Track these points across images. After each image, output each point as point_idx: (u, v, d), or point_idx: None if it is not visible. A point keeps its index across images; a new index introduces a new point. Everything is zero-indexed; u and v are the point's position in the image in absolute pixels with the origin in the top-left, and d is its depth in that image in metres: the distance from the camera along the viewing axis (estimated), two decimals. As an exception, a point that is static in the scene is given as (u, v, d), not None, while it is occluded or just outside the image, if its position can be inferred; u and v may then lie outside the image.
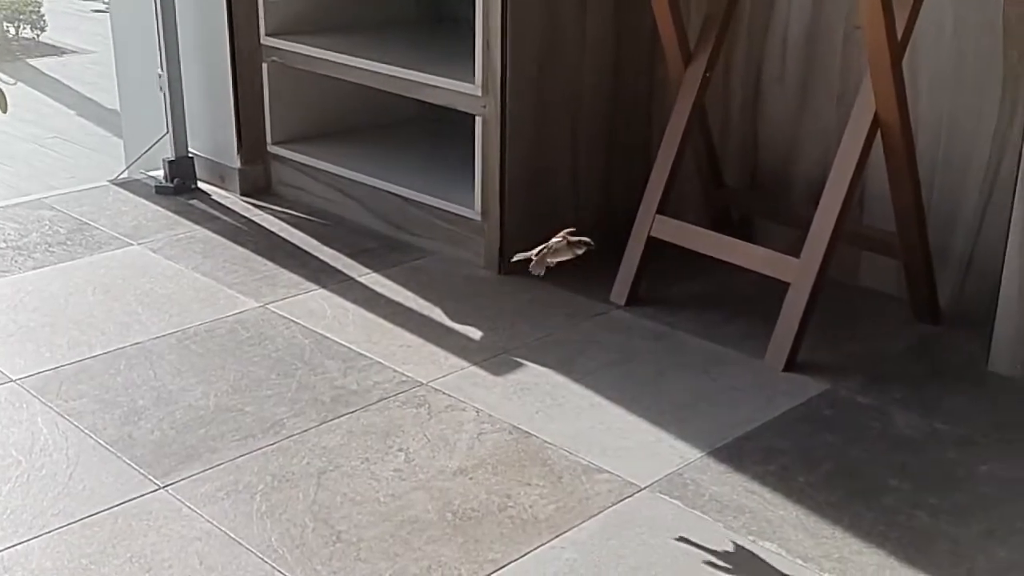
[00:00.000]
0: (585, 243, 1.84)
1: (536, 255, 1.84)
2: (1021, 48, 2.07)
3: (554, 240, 1.84)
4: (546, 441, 1.84)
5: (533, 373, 2.06)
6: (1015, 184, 1.95)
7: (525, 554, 1.56)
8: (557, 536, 1.60)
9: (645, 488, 1.71)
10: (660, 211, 2.31)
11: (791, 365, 2.07)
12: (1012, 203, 1.96)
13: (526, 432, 1.86)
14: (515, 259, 1.88)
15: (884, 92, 1.96)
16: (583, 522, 1.63)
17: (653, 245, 2.33)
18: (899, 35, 1.93)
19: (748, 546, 1.58)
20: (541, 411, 1.93)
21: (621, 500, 1.69)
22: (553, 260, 1.85)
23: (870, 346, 2.17)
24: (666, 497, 1.69)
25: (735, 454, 1.80)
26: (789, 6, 2.38)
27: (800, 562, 1.54)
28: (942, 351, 2.15)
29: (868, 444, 1.83)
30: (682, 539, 1.59)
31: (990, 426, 1.88)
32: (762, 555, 1.56)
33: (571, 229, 1.86)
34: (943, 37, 2.18)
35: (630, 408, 1.94)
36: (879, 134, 2.02)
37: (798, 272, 2.07)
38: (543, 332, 2.22)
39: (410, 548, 1.57)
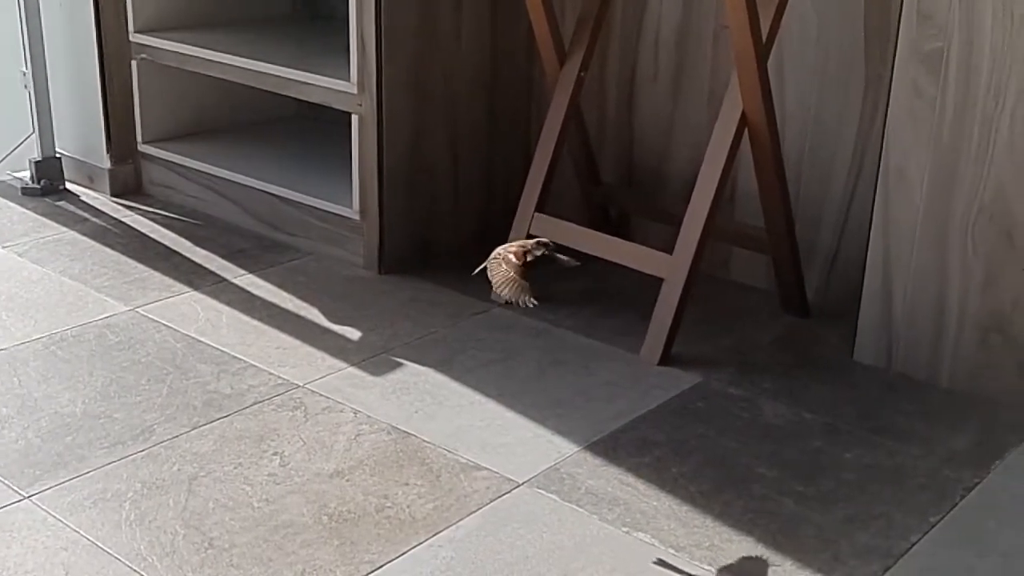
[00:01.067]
0: (543, 243, 1.81)
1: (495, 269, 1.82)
2: (883, 48, 2.15)
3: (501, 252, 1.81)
4: (425, 440, 1.83)
5: (412, 372, 2.05)
6: (875, 181, 2.02)
7: (402, 554, 1.56)
8: (435, 535, 1.60)
9: (523, 484, 1.73)
10: (539, 209, 2.33)
11: (666, 359, 2.11)
12: (873, 199, 2.04)
13: (405, 432, 1.85)
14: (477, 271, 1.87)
15: (751, 91, 2.01)
16: (461, 520, 1.63)
17: (532, 243, 2.34)
18: (764, 35, 1.99)
19: (622, 537, 1.60)
20: (420, 410, 1.92)
21: (499, 497, 1.69)
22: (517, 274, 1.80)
23: (741, 339, 2.23)
24: (543, 492, 1.71)
25: (611, 447, 1.83)
26: (660, 6, 2.43)
27: (672, 551, 1.57)
28: (809, 342, 2.22)
29: (738, 434, 1.88)
30: (558, 533, 1.61)
31: (854, 415, 1.94)
32: (635, 546, 1.58)
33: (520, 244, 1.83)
34: (808, 36, 2.25)
35: (509, 405, 1.95)
36: (746, 132, 2.08)
37: (671, 268, 2.11)
38: (423, 331, 2.21)
39: (284, 553, 1.55)
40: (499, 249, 1.87)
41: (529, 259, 1.82)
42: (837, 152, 2.27)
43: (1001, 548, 1.59)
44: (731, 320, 2.31)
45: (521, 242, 1.86)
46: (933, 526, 1.63)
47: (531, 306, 1.82)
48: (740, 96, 2.03)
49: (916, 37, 1.91)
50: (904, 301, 2.04)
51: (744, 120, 2.05)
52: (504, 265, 1.82)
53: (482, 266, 1.88)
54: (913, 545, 1.59)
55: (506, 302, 1.83)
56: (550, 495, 1.70)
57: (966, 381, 2.00)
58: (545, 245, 1.83)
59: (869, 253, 2.06)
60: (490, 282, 1.85)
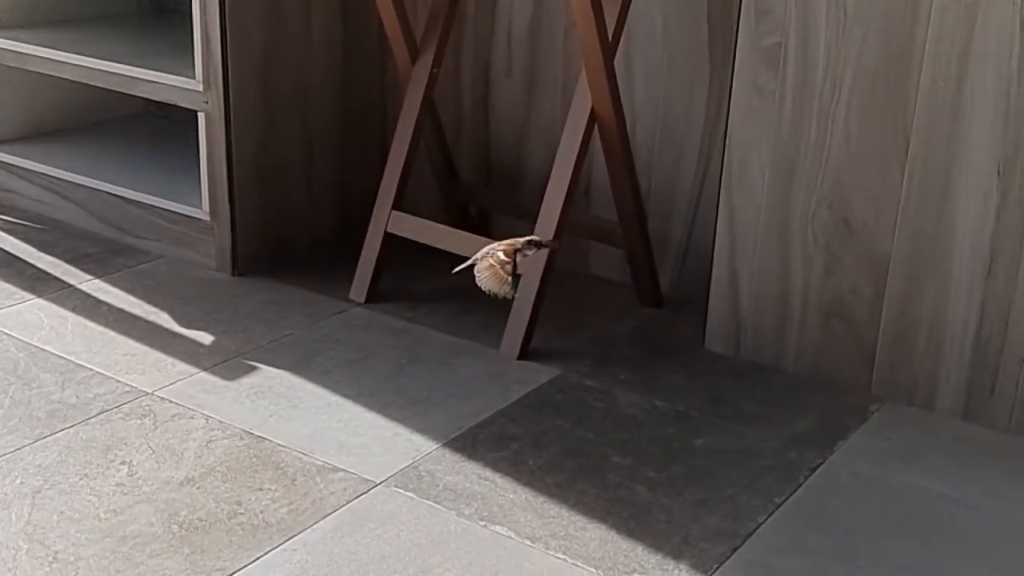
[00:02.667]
0: (534, 243, 1.83)
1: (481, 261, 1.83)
2: (725, 43, 2.21)
3: (488, 249, 1.82)
4: (279, 444, 1.80)
5: (267, 376, 2.01)
6: (720, 175, 2.08)
7: (255, 559, 1.53)
8: (289, 539, 1.57)
9: (380, 484, 1.71)
10: (396, 207, 2.32)
11: (525, 353, 2.13)
12: (719, 193, 2.09)
13: (259, 436, 1.82)
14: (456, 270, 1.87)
15: (599, 87, 2.04)
16: (316, 523, 1.61)
17: (392, 241, 2.33)
18: (610, 32, 2.02)
19: (479, 531, 1.61)
20: (275, 414, 1.89)
21: (356, 497, 1.68)
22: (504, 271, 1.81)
23: (598, 331, 2.26)
24: (401, 491, 1.70)
25: (469, 443, 1.83)
26: (512, 1, 2.45)
27: (528, 543, 1.59)
28: (663, 333, 2.27)
29: (594, 424, 1.90)
30: (415, 531, 1.60)
31: (704, 401, 2.00)
32: (492, 539, 1.59)
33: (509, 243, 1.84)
34: (654, 33, 2.29)
35: (368, 405, 1.94)
36: (597, 128, 2.11)
37: (528, 263, 2.12)
38: (279, 333, 2.18)
39: (132, 563, 1.51)
40: (489, 247, 1.86)
41: (519, 258, 1.83)
42: (685, 147, 2.33)
43: (843, 525, 1.66)
44: (589, 313, 2.34)
45: (512, 240, 1.86)
46: (778, 506, 1.69)
47: (511, 297, 1.84)
48: (589, 93, 2.06)
49: (755, 32, 1.97)
50: (750, 291, 2.10)
51: (594, 116, 2.08)
52: (491, 260, 1.83)
53: (468, 262, 1.86)
54: (759, 526, 1.64)
55: (489, 293, 1.84)
56: (408, 493, 1.69)
57: (810, 366, 2.08)
58: (537, 244, 1.85)
59: (716, 245, 2.12)
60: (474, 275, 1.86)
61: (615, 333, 2.26)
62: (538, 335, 2.16)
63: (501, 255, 1.83)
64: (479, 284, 1.85)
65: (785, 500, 1.71)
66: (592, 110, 2.07)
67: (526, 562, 1.55)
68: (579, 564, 1.55)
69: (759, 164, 2.03)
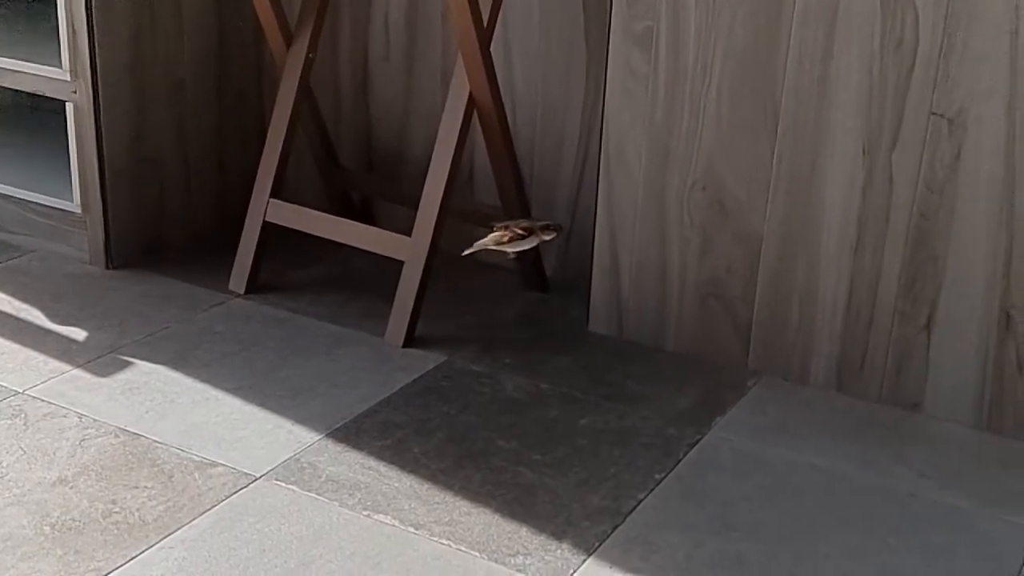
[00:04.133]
0: (552, 228, 1.94)
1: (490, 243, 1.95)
2: (600, 29, 2.22)
3: (498, 234, 1.93)
4: (156, 441, 1.76)
5: (143, 371, 1.97)
6: (599, 159, 2.10)
7: (131, 559, 1.49)
8: (166, 536, 1.54)
9: (261, 477, 1.69)
10: (275, 195, 2.28)
11: (410, 341, 2.12)
12: (598, 177, 2.11)
13: (134, 434, 1.78)
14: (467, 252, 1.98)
15: (476, 74, 2.04)
16: (194, 519, 1.58)
17: (272, 230, 2.30)
18: (485, 18, 2.02)
19: (362, 521, 1.60)
20: (151, 410, 1.85)
21: (235, 492, 1.65)
22: (513, 250, 1.94)
23: (484, 316, 2.27)
24: (282, 484, 1.68)
25: (353, 433, 1.82)
26: (390, -11, 2.43)
27: (412, 530, 1.59)
28: (549, 317, 2.28)
29: (480, 409, 1.91)
30: (296, 524, 1.59)
31: (588, 382, 2.02)
32: (375, 528, 1.59)
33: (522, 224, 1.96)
34: (531, 19, 2.30)
35: (248, 398, 1.91)
36: (476, 114, 2.11)
37: (410, 250, 2.12)
38: (156, 327, 2.12)
39: (2, 567, 1.46)
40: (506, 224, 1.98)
41: (537, 241, 1.95)
42: (566, 133, 2.35)
43: (720, 498, 1.70)
44: (475, 299, 2.34)
45: (530, 221, 1.98)
46: (659, 483, 1.72)
47: (511, 256, 1.98)
48: (466, 79, 2.06)
49: (627, 16, 1.99)
50: (630, 273, 2.13)
51: (472, 102, 2.08)
52: (504, 231, 1.96)
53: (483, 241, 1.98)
54: (640, 503, 1.67)
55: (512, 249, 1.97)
56: (289, 486, 1.67)
57: (690, 344, 2.12)
58: (555, 229, 1.94)
59: (596, 229, 2.14)
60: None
61: (501, 318, 2.27)
62: (423, 322, 2.15)
63: (517, 230, 1.93)
64: (510, 250, 1.97)
65: (665, 476, 1.74)
66: (470, 96, 2.07)
67: (409, 549, 1.55)
68: (463, 549, 1.55)
69: (635, 147, 2.05)
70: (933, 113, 1.80)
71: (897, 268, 1.89)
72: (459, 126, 2.08)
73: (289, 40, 2.25)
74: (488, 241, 2.01)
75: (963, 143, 1.79)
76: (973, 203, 1.81)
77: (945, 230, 1.84)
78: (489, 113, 2.10)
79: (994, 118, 1.76)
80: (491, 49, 2.06)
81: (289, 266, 2.40)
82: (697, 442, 1.84)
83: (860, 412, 1.95)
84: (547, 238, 1.94)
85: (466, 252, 2.05)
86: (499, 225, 2.00)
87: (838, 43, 1.84)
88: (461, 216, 2.36)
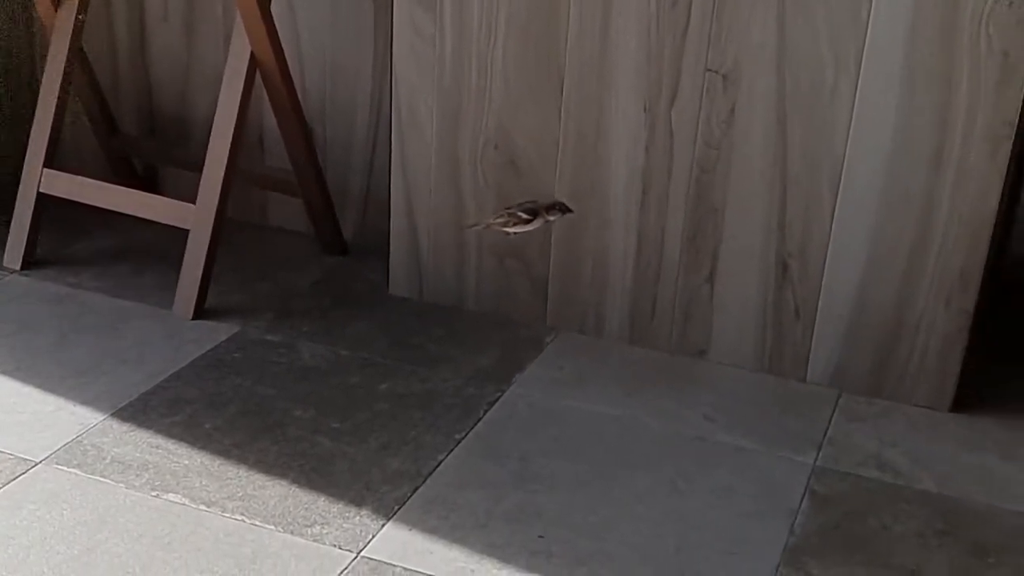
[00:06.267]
0: (560, 207, 1.88)
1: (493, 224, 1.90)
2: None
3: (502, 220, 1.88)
4: (-79, 431, 1.64)
5: (-95, 357, 1.83)
6: (390, 120, 2.08)
7: None
8: (-66, 533, 1.44)
9: (40, 462, 1.60)
10: (48, 164, 2.15)
11: (200, 312, 2.05)
12: (391, 138, 2.09)
13: None
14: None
15: (256, 34, 1.98)
16: (-34, 512, 1.49)
17: (47, 201, 2.17)
18: (265, -24, 1.95)
19: (150, 501, 1.54)
20: (-85, 398, 1.72)
21: (13, 479, 1.56)
22: (515, 231, 1.88)
23: (280, 284, 2.21)
24: (64, 468, 1.60)
25: (140, 411, 1.75)
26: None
27: (204, 508, 1.54)
28: (348, 282, 2.25)
29: (275, 380, 1.87)
30: (80, 508, 1.51)
31: (388, 346, 2.00)
32: (164, 508, 1.53)
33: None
34: (317, -22, 2.24)
35: (26, 380, 1.80)
36: (260, 76, 2.04)
37: (196, 218, 2.04)
38: (-81, 310, 1.98)
39: None
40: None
41: (542, 223, 1.89)
42: (357, 95, 2.30)
43: (518, 453, 1.72)
44: (270, 266, 2.28)
45: (535, 202, 1.90)
46: (459, 443, 1.73)
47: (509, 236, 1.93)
48: (247, 40, 1.99)
49: (412, -24, 1.96)
50: (428, 234, 2.12)
51: (255, 62, 2.01)
52: (508, 218, 1.89)
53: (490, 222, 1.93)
54: (440, 463, 1.68)
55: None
56: (71, 470, 1.59)
57: (489, 304, 2.13)
58: (562, 208, 1.89)
59: (392, 192, 2.12)
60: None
61: (298, 285, 2.22)
62: (214, 292, 2.08)
63: (522, 214, 1.88)
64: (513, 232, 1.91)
65: (465, 436, 1.75)
66: (252, 57, 2.00)
67: (201, 527, 1.50)
68: (257, 523, 1.52)
69: (426, 108, 2.04)
70: (708, 69, 1.86)
71: (680, 222, 1.96)
72: (241, 88, 2.01)
73: (57, 2, 2.11)
74: (494, 222, 1.94)
75: (737, 98, 1.86)
76: (748, 157, 1.89)
77: (723, 183, 1.91)
78: (273, 74, 2.04)
79: (765, 73, 1.83)
80: (273, 9, 2.00)
81: (69, 239, 2.28)
82: (497, 400, 1.86)
83: (652, 361, 2.01)
84: (552, 219, 1.91)
85: (468, 226, 2.03)
86: (504, 210, 1.93)
87: (616, 4, 1.87)
88: (252, 180, 2.29)
